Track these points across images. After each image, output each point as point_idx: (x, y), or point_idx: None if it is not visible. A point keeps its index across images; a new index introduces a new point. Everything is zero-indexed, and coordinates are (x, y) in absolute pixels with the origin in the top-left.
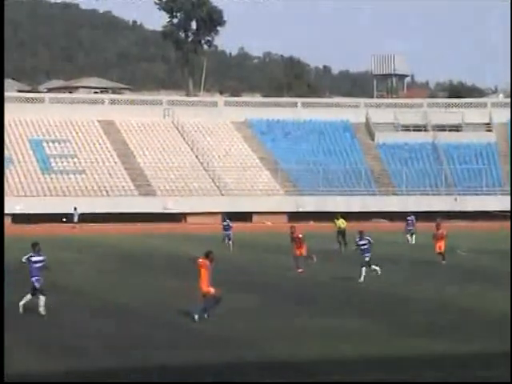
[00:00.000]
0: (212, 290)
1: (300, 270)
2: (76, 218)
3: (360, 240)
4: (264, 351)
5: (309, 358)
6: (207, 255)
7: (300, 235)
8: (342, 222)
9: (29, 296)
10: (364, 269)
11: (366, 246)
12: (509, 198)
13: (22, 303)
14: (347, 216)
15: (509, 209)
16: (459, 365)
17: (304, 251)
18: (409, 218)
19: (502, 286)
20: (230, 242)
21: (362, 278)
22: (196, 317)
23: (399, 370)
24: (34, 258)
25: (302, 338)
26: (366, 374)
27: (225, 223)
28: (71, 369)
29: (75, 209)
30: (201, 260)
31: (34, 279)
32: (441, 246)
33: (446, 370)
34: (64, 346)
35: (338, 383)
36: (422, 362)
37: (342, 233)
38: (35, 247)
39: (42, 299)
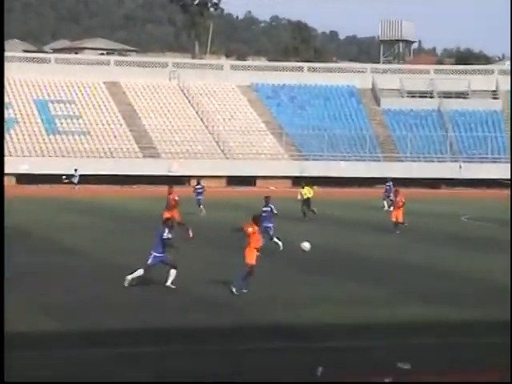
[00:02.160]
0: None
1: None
2: (76, 180)
3: (265, 206)
4: (259, 316)
5: (306, 323)
6: (256, 221)
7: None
8: (308, 191)
9: (173, 271)
10: (276, 240)
11: (265, 214)
12: None
13: (169, 282)
14: (350, 181)
15: None
16: (459, 331)
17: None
18: (387, 183)
19: (502, 254)
20: (201, 207)
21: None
22: (234, 289)
23: (398, 336)
24: (164, 235)
25: (300, 303)
26: (365, 339)
27: (198, 187)
28: (70, 329)
29: (75, 170)
30: (250, 229)
31: (153, 255)
32: (397, 214)
33: (445, 337)
34: (63, 307)
35: (336, 348)
36: (422, 328)
37: (307, 202)
38: (167, 223)
39: (171, 272)
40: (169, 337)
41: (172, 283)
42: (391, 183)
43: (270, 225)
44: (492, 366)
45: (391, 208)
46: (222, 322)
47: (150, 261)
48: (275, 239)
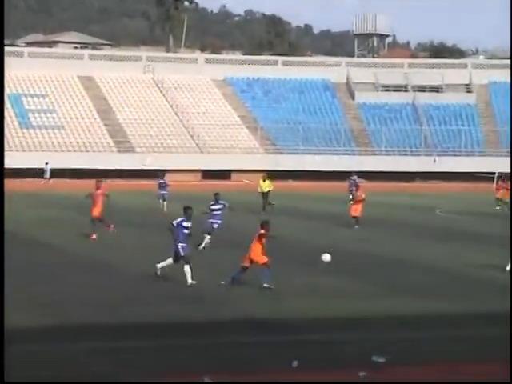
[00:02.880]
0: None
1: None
2: (48, 174)
3: (215, 204)
4: (244, 309)
5: (284, 317)
6: (264, 226)
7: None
8: (268, 184)
9: (170, 260)
10: (208, 237)
11: (218, 212)
12: (487, 159)
13: (160, 266)
14: (325, 175)
15: (489, 170)
16: (436, 324)
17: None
18: (352, 177)
19: (482, 248)
20: (165, 203)
21: (203, 246)
22: (266, 285)
23: (384, 329)
24: (184, 224)
25: (277, 296)
26: (341, 332)
27: (162, 181)
28: (45, 324)
29: (46, 164)
30: (263, 232)
31: (179, 245)
32: (357, 208)
33: (422, 330)
34: (38, 302)
35: (312, 341)
36: (399, 321)
37: (266, 195)
38: (187, 211)
39: (186, 268)
40: (144, 331)
41: (192, 278)
42: (356, 177)
43: (219, 222)
44: (469, 358)
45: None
46: (199, 316)
47: (182, 252)
48: (207, 237)
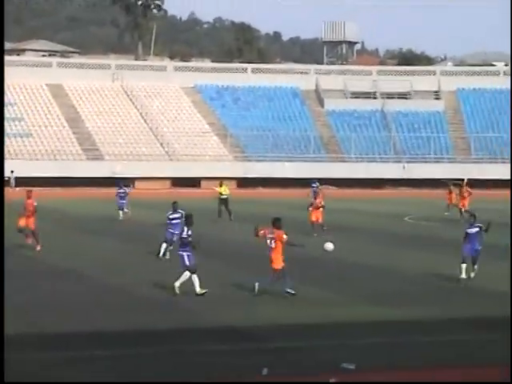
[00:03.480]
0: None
1: None
2: (13, 182)
3: (173, 213)
4: (216, 317)
5: (254, 324)
6: (277, 224)
7: None
8: (224, 190)
9: (186, 274)
10: (164, 245)
11: (177, 221)
12: (456, 165)
13: (178, 284)
14: (295, 182)
15: (458, 176)
16: (407, 331)
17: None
18: (313, 184)
19: (450, 254)
20: (126, 210)
21: (162, 255)
22: (291, 290)
23: (354, 336)
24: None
25: (248, 303)
26: (312, 339)
27: (121, 191)
28: (15, 332)
29: (12, 172)
30: (275, 232)
31: (186, 255)
32: (317, 216)
33: (393, 336)
34: (11, 309)
35: (282, 349)
36: (370, 328)
37: (224, 201)
38: (188, 219)
39: (193, 278)
40: (116, 339)
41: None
42: (317, 184)
43: (177, 231)
44: (440, 363)
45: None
46: (168, 324)
47: (187, 262)
48: (163, 247)
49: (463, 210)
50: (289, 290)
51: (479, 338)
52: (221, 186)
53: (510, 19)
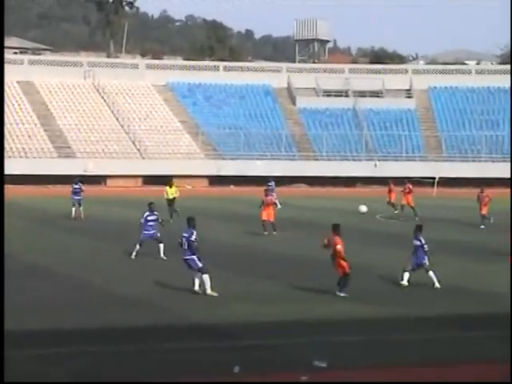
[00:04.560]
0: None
1: None
2: None
3: (150, 214)
4: (177, 315)
5: (223, 322)
6: (337, 229)
7: None
8: (174, 191)
9: (203, 276)
10: (139, 247)
11: (153, 223)
12: (427, 163)
13: (197, 287)
14: (267, 180)
15: (429, 175)
16: (377, 328)
17: None
18: (269, 183)
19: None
20: (81, 209)
21: (134, 255)
22: (342, 294)
23: (326, 334)
24: (192, 237)
25: (216, 302)
26: (286, 337)
27: (76, 186)
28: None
29: None
30: (336, 238)
31: (195, 257)
32: (269, 213)
33: (364, 333)
34: None
35: (254, 346)
36: (340, 325)
37: (171, 201)
38: (190, 222)
39: (205, 278)
40: (88, 337)
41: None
42: (273, 183)
43: (153, 232)
44: (412, 361)
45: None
46: (139, 322)
47: (198, 265)
48: (137, 248)
49: (405, 205)
50: (342, 293)
51: (453, 336)
52: (170, 186)
53: (510, 19)
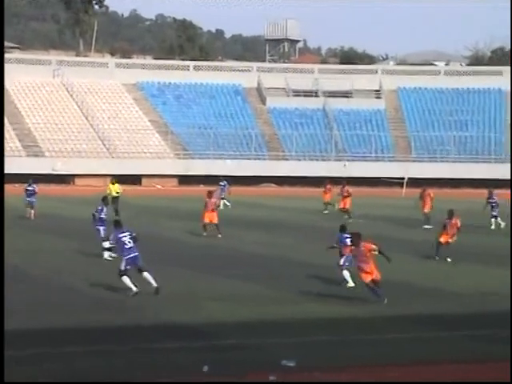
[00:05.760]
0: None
1: None
2: None
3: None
4: (154, 315)
5: (204, 322)
6: (356, 238)
7: None
8: (117, 188)
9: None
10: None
11: (104, 216)
12: (396, 164)
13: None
14: (237, 180)
15: (398, 175)
16: (350, 328)
17: None
18: (221, 183)
19: (390, 251)
20: (32, 211)
21: (108, 257)
22: (386, 300)
23: (295, 333)
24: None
25: (193, 301)
26: (255, 336)
27: (29, 188)
28: None
29: None
30: (364, 245)
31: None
32: (212, 216)
33: (337, 334)
34: None
35: (233, 346)
36: (312, 326)
37: (116, 200)
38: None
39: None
40: (64, 337)
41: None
42: (226, 182)
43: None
44: (388, 361)
45: (224, 206)
46: (112, 323)
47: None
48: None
49: (343, 209)
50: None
51: (421, 335)
52: (113, 184)
53: (510, 19)
